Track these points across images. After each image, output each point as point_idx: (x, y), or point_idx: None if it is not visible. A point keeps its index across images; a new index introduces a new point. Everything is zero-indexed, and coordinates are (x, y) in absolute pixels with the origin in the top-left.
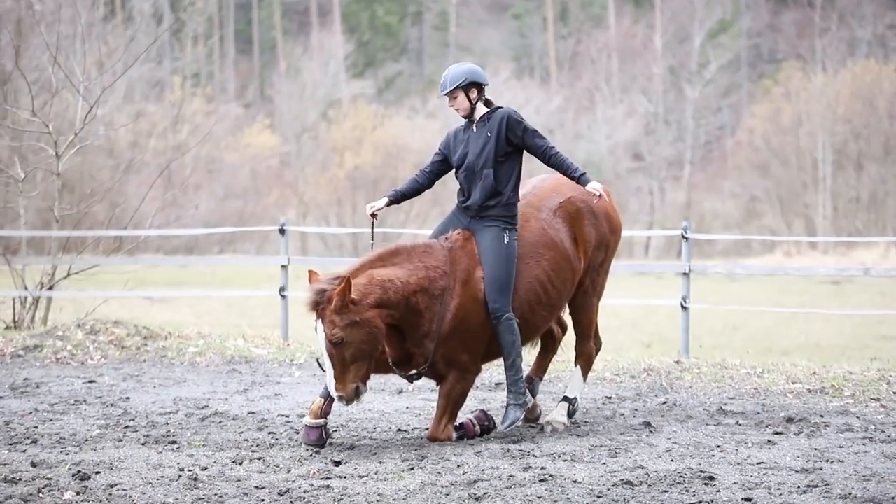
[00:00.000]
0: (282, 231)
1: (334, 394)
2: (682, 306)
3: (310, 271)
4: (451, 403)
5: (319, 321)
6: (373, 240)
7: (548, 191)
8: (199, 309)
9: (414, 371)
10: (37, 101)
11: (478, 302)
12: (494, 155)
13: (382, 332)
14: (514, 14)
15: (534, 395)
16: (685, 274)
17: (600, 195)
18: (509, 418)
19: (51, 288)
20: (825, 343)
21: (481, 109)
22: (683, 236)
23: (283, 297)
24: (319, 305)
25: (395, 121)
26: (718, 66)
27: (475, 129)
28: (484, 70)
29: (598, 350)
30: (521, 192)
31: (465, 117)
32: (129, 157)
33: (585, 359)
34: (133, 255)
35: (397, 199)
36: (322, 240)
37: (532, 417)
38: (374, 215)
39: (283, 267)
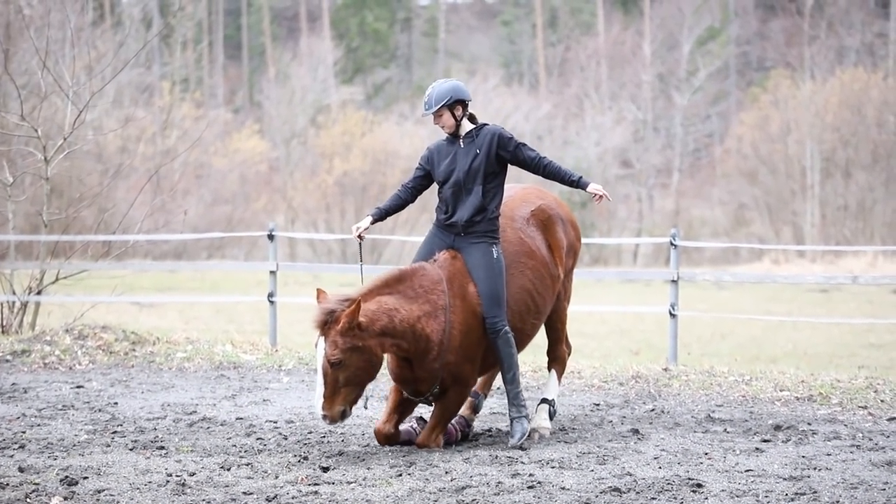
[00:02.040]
0: (270, 237)
1: (318, 412)
2: (671, 313)
3: (318, 290)
4: (447, 414)
5: (322, 339)
6: (361, 261)
7: (517, 200)
8: (188, 314)
9: (429, 394)
10: (26, 106)
11: (476, 316)
12: (483, 172)
13: (380, 361)
14: (503, 21)
15: (476, 412)
16: (673, 281)
17: (603, 195)
18: (517, 432)
19: (39, 293)
20: (813, 351)
21: (466, 125)
22: (672, 244)
23: (272, 302)
24: (326, 325)
25: (383, 127)
26: (707, 73)
27: (462, 145)
28: (468, 82)
29: (568, 353)
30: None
31: (451, 134)
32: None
33: (560, 362)
34: (121, 260)
35: (381, 216)
36: (310, 245)
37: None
38: (360, 237)
39: (272, 272)
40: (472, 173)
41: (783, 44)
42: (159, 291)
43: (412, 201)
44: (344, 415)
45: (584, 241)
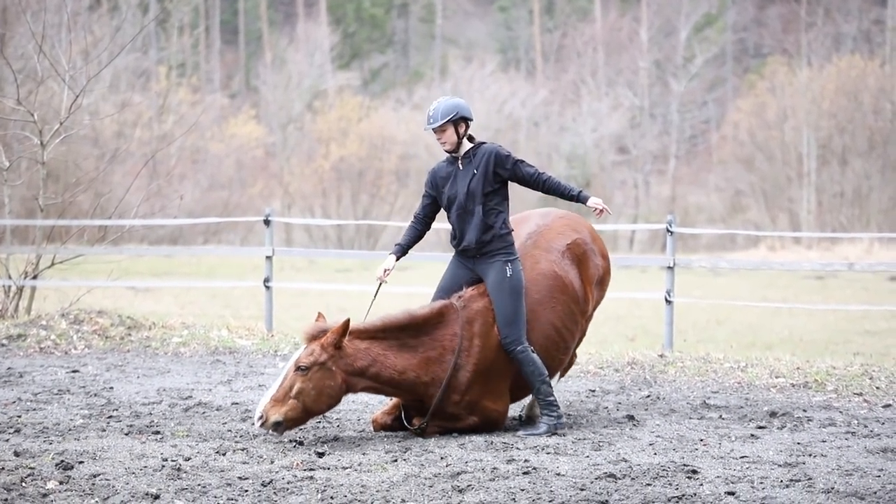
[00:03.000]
0: (266, 222)
1: (258, 411)
2: (667, 300)
3: (319, 313)
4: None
5: (305, 346)
6: (374, 298)
7: (554, 232)
8: (184, 299)
9: (418, 426)
10: (22, 90)
11: (500, 352)
12: (482, 191)
13: (336, 396)
14: (500, 6)
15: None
16: (669, 268)
17: (603, 209)
18: (543, 425)
19: (35, 277)
20: (809, 338)
21: (466, 145)
22: (668, 230)
23: (268, 287)
24: (315, 339)
25: (380, 112)
26: (704, 60)
27: (460, 167)
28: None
29: (573, 363)
30: (526, 230)
31: (449, 152)
32: (115, 147)
33: (563, 370)
34: (117, 244)
35: (403, 252)
36: (307, 231)
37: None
38: (384, 278)
39: (268, 258)
40: (471, 194)
41: (780, 30)
42: (155, 276)
43: (427, 229)
44: (276, 427)
45: None
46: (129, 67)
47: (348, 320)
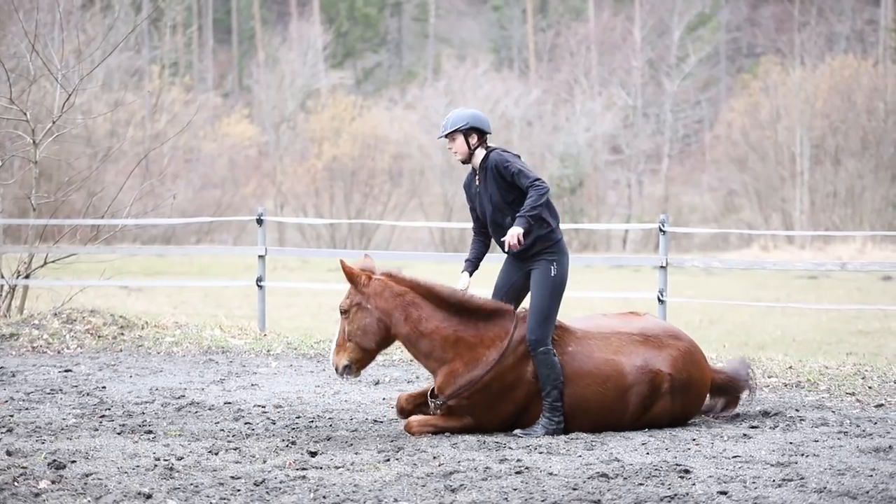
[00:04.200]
0: (259, 221)
1: (331, 364)
2: (659, 299)
3: (365, 254)
4: (443, 425)
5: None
6: None
7: (653, 348)
8: (176, 299)
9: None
10: (14, 89)
11: (523, 377)
12: (506, 202)
13: (382, 334)
14: (493, 6)
15: None
16: (662, 267)
17: (512, 243)
18: (540, 427)
19: (27, 276)
20: (801, 337)
21: (480, 156)
22: (661, 230)
23: (261, 287)
24: (358, 277)
25: (373, 112)
26: (697, 59)
27: (479, 183)
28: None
29: None
30: (640, 325)
31: (463, 161)
32: (107, 146)
33: None
34: (110, 244)
35: (474, 266)
36: (300, 230)
37: None
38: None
39: (261, 257)
40: (497, 208)
41: (773, 30)
42: (148, 276)
43: (489, 239)
44: (347, 370)
45: (573, 227)
46: (121, 66)
47: (387, 273)
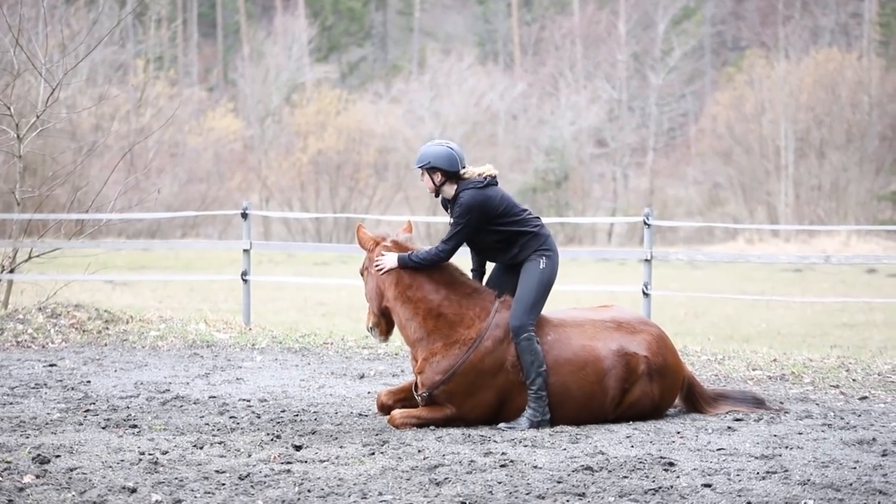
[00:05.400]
0: (244, 215)
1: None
2: (644, 293)
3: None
4: (426, 418)
5: None
6: None
7: (627, 333)
8: (161, 293)
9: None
10: None
11: (501, 364)
12: (479, 235)
13: (377, 299)
14: None
15: None
16: (647, 260)
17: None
18: (524, 420)
19: (12, 271)
20: (786, 330)
21: (450, 191)
22: (646, 223)
23: (245, 281)
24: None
25: (358, 106)
26: (682, 52)
27: (452, 218)
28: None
29: None
30: (611, 314)
31: (436, 196)
32: (92, 141)
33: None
34: (95, 238)
35: (481, 275)
36: (285, 224)
37: None
38: None
39: (246, 251)
40: (474, 242)
41: (758, 23)
42: (133, 270)
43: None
44: (373, 332)
45: (558, 220)
46: (106, 61)
47: (390, 239)
